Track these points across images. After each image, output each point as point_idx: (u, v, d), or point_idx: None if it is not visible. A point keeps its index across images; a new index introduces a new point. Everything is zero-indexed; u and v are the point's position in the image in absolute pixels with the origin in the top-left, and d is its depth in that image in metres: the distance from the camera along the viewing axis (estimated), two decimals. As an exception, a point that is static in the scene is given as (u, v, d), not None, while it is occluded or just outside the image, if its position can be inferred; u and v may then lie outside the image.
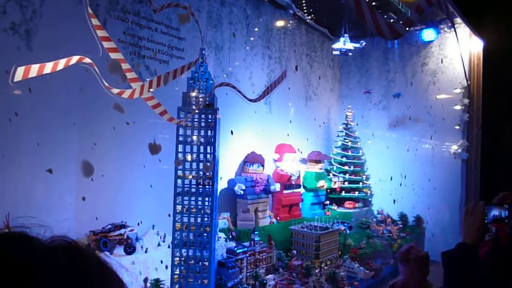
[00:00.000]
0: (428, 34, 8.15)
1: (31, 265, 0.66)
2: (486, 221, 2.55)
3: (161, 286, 4.35)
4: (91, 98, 4.45)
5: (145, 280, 4.46)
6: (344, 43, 7.28)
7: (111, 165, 4.89)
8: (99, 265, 0.77)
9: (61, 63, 2.55)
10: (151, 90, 2.77)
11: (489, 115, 7.28)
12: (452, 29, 7.35)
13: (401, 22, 5.50)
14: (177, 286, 4.30)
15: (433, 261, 6.87)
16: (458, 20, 7.13)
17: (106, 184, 4.82)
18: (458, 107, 7.71)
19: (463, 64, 7.49)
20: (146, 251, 5.06)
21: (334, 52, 7.54)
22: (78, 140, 4.60)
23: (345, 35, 7.27)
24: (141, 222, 5.13)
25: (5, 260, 0.65)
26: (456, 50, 7.69)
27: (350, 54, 7.49)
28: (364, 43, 7.46)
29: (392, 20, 6.81)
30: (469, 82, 7.54)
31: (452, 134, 7.79)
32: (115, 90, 2.67)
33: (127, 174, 5.17)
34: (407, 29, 4.73)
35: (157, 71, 5.06)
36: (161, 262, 4.85)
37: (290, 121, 8.03)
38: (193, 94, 4.37)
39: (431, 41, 8.15)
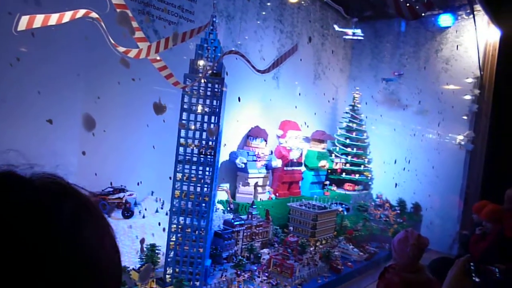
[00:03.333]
0: (445, 19, 7.92)
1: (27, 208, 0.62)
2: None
3: (156, 251, 4.37)
4: (96, 49, 4.12)
5: (142, 241, 4.49)
6: (353, 34, 7.31)
7: (114, 121, 4.77)
8: (88, 206, 0.73)
9: (67, 16, 2.46)
10: (159, 51, 2.69)
11: (499, 108, 7.14)
12: (470, 16, 7.16)
13: (421, 3, 5.33)
14: (172, 252, 4.32)
15: (428, 248, 6.94)
16: (478, 7, 6.92)
17: (107, 140, 4.68)
18: (468, 97, 7.59)
19: (478, 53, 7.33)
20: (143, 217, 5.09)
21: (345, 37, 7.51)
22: (81, 92, 4.47)
23: (354, 19, 7.21)
24: (141, 182, 5.05)
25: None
26: (472, 38, 7.50)
27: (361, 38, 7.44)
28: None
29: (411, 1, 6.65)
30: (482, 73, 7.38)
31: (460, 124, 7.69)
32: (121, 49, 2.59)
33: (130, 132, 5.08)
34: (427, 11, 4.58)
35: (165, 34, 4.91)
36: (159, 224, 4.85)
37: (299, 94, 7.88)
38: (201, 62, 4.28)
39: (447, 27, 7.94)
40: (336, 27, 7.62)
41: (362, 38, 7.75)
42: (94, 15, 2.55)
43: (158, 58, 2.82)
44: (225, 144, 5.41)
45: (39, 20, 2.34)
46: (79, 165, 4.48)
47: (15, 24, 2.26)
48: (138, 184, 5.01)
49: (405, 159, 8.23)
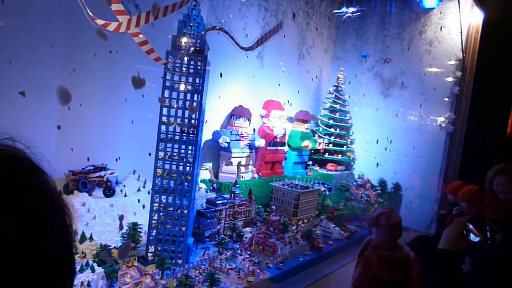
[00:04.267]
0: (429, 0, 7.92)
1: None
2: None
3: (138, 230, 4.36)
4: (71, 19, 4.02)
5: (121, 218, 4.47)
6: (345, 13, 7.33)
7: (90, 95, 4.64)
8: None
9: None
10: (139, 25, 2.61)
11: (480, 90, 7.24)
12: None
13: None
14: (154, 231, 4.31)
15: (407, 227, 7.10)
16: (462, -12, 6.94)
17: (84, 115, 4.57)
18: (450, 79, 7.66)
19: (461, 35, 7.38)
20: (125, 195, 5.05)
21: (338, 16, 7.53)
22: (56, 64, 4.28)
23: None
24: (119, 158, 4.97)
25: None
26: (456, 20, 7.54)
27: (353, 15, 7.46)
28: None
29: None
30: (464, 55, 7.45)
31: (441, 106, 7.78)
32: (100, 21, 2.50)
33: (107, 107, 4.95)
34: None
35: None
36: (138, 201, 4.84)
37: (283, 71, 7.84)
38: (183, 38, 4.19)
39: (431, 8, 7.95)
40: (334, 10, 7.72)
41: (359, 13, 7.74)
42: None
43: (138, 31, 2.74)
44: (206, 121, 5.34)
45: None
46: (54, 139, 4.34)
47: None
48: (116, 160, 4.92)
49: (386, 139, 8.33)
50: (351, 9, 7.55)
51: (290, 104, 7.97)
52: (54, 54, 4.24)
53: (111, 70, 4.75)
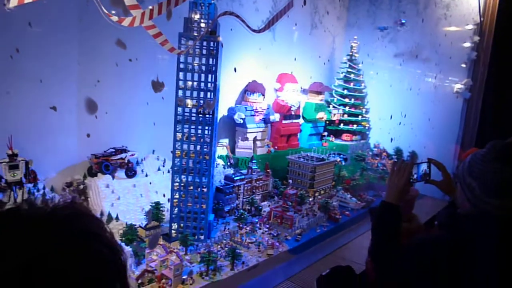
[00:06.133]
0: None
1: None
2: (413, 180, 2.73)
3: (161, 209, 4.54)
4: (92, 33, 4.44)
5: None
6: None
7: (114, 102, 4.92)
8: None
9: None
10: (153, 17, 2.65)
11: (497, 55, 7.07)
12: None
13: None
14: (176, 209, 4.49)
15: (423, 195, 7.15)
16: None
17: (110, 121, 4.92)
18: (467, 44, 7.47)
19: (478, -1, 7.15)
20: (146, 175, 5.22)
21: None
22: (81, 77, 4.60)
23: None
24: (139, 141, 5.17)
25: None
26: (474, -19, 7.28)
27: None
28: None
29: None
30: (482, 19, 7.23)
31: (458, 73, 7.62)
32: (115, 18, 2.55)
33: (131, 111, 5.21)
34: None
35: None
36: (150, 183, 5.10)
37: (295, 59, 7.84)
38: (195, 18, 4.21)
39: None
40: None
41: None
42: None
43: (152, 24, 2.78)
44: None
45: (30, -7, 2.29)
46: (84, 146, 4.82)
47: (6, 1, 2.21)
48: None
49: (401, 114, 8.27)
50: None
51: (311, 77, 7.96)
52: (79, 68, 4.59)
53: (132, 76, 5.07)
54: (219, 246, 4.55)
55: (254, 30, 3.95)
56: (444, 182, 3.22)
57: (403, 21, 8.22)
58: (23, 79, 4.09)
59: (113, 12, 2.60)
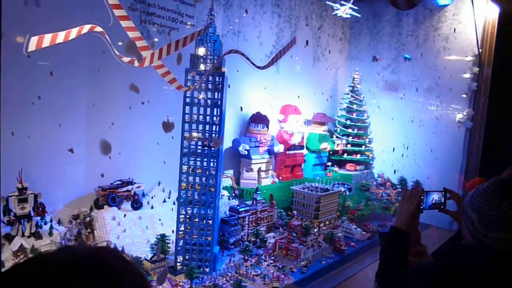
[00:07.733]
0: (443, -3, 7.88)
1: None
2: (423, 207, 2.76)
3: (166, 241, 4.56)
4: (108, 79, 4.74)
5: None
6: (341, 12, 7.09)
7: (127, 143, 5.12)
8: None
9: (73, 32, 2.54)
10: (162, 57, 2.78)
11: (498, 85, 7.18)
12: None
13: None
14: (181, 241, 4.51)
15: (428, 224, 7.12)
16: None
17: (123, 161, 5.11)
18: (467, 75, 7.61)
19: (476, 30, 7.32)
20: (152, 207, 5.26)
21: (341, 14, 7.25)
22: (97, 120, 4.85)
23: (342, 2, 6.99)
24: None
25: None
26: (471, 15, 7.48)
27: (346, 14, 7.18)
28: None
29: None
30: (480, 50, 7.40)
31: (459, 103, 7.73)
32: (126, 59, 2.69)
33: (143, 151, 5.40)
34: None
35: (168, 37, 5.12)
36: (159, 220, 5.19)
37: (298, 96, 8.10)
38: (201, 54, 4.36)
39: (446, 5, 7.90)
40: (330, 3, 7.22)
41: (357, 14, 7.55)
42: (98, 29, 2.63)
43: (161, 63, 2.91)
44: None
45: (47, 39, 2.42)
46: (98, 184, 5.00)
47: (25, 45, 2.35)
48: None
49: (403, 146, 8.34)
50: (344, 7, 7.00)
51: (314, 113, 8.19)
52: (95, 111, 4.84)
53: (144, 118, 5.29)
54: (224, 279, 4.53)
55: (258, 67, 4.08)
56: (459, 213, 3.23)
57: (409, 57, 8.39)
58: (43, 123, 4.33)
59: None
